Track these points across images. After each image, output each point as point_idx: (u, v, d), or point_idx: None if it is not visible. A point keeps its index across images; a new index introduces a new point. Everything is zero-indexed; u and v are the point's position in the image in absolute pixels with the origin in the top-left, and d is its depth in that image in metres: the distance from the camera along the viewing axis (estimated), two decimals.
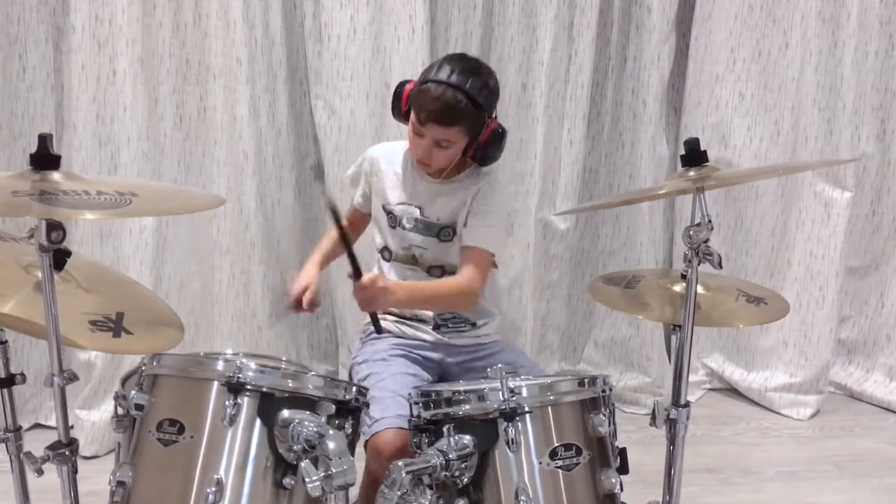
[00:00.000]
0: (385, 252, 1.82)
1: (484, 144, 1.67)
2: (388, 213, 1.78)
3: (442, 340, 1.79)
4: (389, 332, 1.79)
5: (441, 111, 1.57)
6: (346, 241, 1.50)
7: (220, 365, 1.27)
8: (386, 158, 1.81)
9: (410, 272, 1.78)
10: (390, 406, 1.53)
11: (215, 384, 1.25)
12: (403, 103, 1.69)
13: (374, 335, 1.78)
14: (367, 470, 1.55)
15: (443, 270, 1.77)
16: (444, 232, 1.75)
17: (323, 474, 1.12)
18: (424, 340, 1.79)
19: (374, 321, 1.61)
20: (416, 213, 1.75)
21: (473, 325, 1.82)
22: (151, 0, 2.45)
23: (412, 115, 1.64)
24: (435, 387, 1.60)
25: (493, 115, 1.69)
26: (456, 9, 2.68)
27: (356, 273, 1.50)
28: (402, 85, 1.71)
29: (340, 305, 2.81)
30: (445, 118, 1.58)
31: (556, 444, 1.29)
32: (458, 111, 1.58)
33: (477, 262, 1.68)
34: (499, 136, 1.68)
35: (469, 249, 1.70)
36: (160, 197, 1.36)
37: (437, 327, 1.79)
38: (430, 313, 1.79)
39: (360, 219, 1.92)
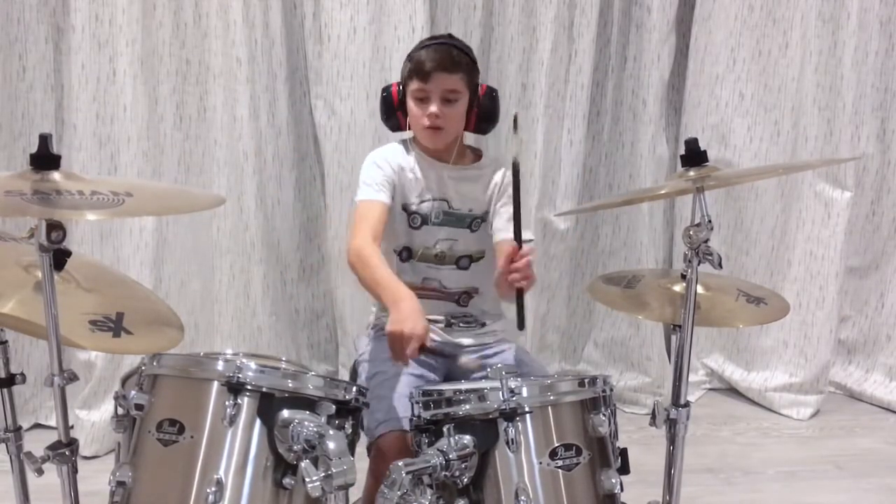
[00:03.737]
0: (404, 253, 1.79)
1: (483, 101, 1.73)
2: (412, 213, 1.76)
3: (450, 341, 1.78)
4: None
5: (444, 57, 1.65)
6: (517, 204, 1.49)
7: (220, 365, 1.27)
8: (399, 159, 1.78)
9: (433, 270, 1.77)
10: (395, 408, 1.53)
11: (215, 384, 1.24)
12: (395, 97, 1.74)
13: (382, 332, 1.78)
14: (371, 472, 1.53)
15: (471, 259, 1.78)
16: (475, 222, 1.77)
17: (323, 474, 1.12)
18: (432, 340, 1.78)
19: (522, 311, 1.51)
20: (444, 206, 1.75)
21: (483, 324, 1.82)
22: (151, 0, 2.46)
23: (412, 88, 1.68)
24: (436, 386, 1.60)
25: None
26: (456, 9, 2.68)
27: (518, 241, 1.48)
28: (386, 89, 1.76)
29: (340, 306, 2.81)
30: (449, 63, 1.65)
31: (557, 445, 1.29)
32: (458, 57, 1.67)
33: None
34: (493, 94, 1.75)
35: (504, 243, 1.68)
36: (157, 197, 1.36)
37: (448, 325, 1.79)
38: (441, 316, 1.79)
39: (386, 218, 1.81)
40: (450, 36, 1.75)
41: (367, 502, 1.56)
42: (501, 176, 1.77)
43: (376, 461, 1.51)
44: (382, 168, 1.73)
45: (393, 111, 1.76)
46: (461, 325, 1.80)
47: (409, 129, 1.77)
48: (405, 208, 1.76)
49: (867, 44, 2.76)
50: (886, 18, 2.80)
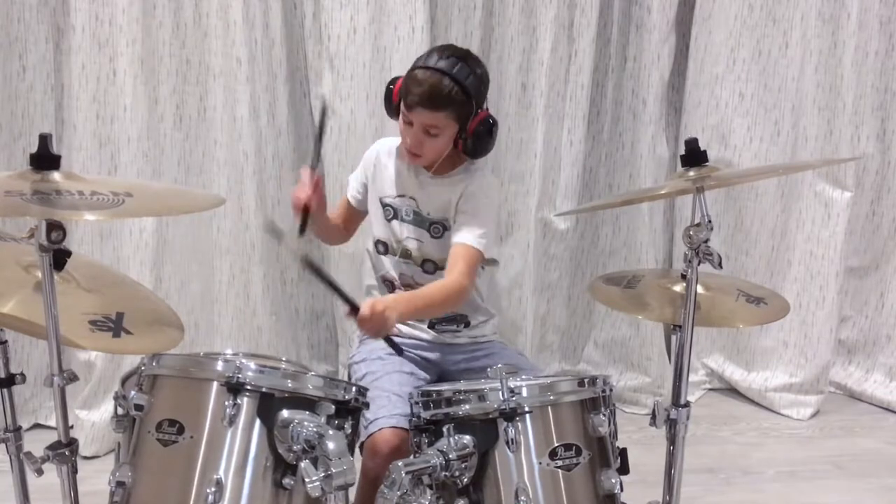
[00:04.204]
0: (380, 245, 1.81)
1: (473, 134, 1.64)
2: (386, 205, 1.78)
3: (440, 339, 1.78)
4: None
5: (428, 94, 1.57)
6: (335, 287, 1.45)
7: (220, 365, 1.27)
8: (388, 151, 1.81)
9: (405, 265, 1.78)
10: (385, 405, 1.53)
11: (215, 384, 1.25)
12: (395, 97, 1.69)
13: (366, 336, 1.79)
14: (363, 471, 1.53)
15: (435, 265, 1.76)
16: (433, 227, 1.74)
17: (323, 474, 1.12)
18: (422, 339, 1.79)
19: (391, 344, 1.55)
20: (413, 205, 1.75)
21: (467, 324, 1.81)
22: (151, 0, 2.46)
23: (402, 105, 1.64)
24: (435, 386, 1.60)
25: (484, 107, 1.68)
26: (456, 9, 2.67)
27: (353, 308, 1.43)
28: (393, 80, 1.72)
29: (340, 305, 2.81)
30: (432, 102, 1.58)
31: (556, 444, 1.29)
32: (445, 95, 1.58)
33: (464, 259, 1.64)
34: (488, 126, 1.66)
35: (456, 246, 1.66)
36: (157, 197, 1.36)
37: (431, 326, 1.79)
38: None
39: (353, 214, 1.90)
40: (458, 57, 1.62)
41: (360, 501, 1.56)
42: (463, 188, 1.71)
43: (367, 458, 1.52)
44: (363, 162, 1.85)
45: (394, 109, 1.72)
46: (443, 323, 1.78)
47: None
48: (381, 199, 1.79)
49: (867, 44, 2.76)
50: (886, 18, 2.80)
